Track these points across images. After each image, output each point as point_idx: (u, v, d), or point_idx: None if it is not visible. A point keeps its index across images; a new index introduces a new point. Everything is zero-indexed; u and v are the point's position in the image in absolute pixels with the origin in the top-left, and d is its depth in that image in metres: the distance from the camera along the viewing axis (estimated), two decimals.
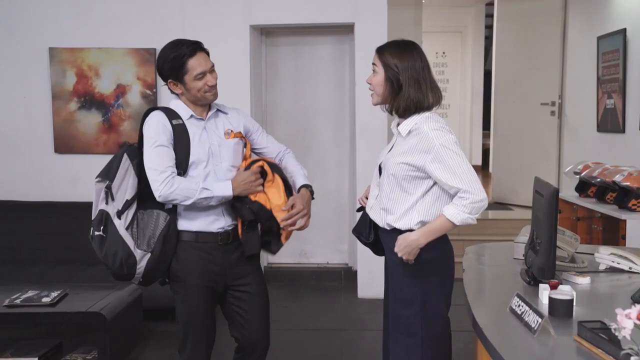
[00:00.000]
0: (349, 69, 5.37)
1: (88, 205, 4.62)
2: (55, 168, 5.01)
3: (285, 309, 4.72)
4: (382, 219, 2.33)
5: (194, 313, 2.48)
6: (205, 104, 2.48)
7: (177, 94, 2.49)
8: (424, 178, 2.21)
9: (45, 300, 3.36)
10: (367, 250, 5.17)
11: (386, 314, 2.48)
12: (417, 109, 2.23)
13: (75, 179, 4.98)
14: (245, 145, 2.58)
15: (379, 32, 4.90)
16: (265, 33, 5.44)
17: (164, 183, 2.31)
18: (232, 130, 2.50)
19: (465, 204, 2.12)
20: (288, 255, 5.65)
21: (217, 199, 2.37)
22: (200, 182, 2.36)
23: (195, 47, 2.40)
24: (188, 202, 2.34)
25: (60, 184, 4.98)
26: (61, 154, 5.00)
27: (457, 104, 10.07)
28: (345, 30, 5.32)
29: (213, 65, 2.46)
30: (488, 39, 10.22)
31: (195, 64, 2.38)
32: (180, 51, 2.37)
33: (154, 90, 4.94)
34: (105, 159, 4.87)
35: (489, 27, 10.01)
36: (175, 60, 2.37)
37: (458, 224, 2.13)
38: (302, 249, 5.66)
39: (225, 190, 2.37)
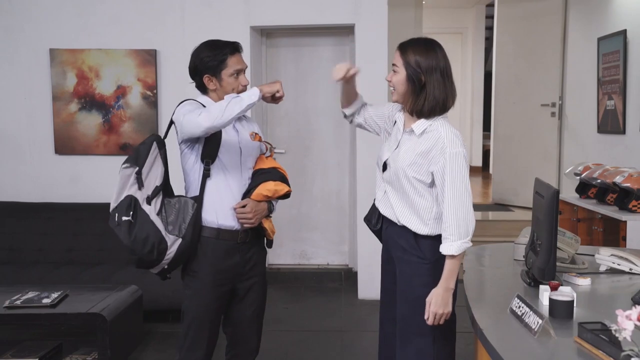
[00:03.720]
0: None
1: (89, 206, 4.74)
2: (55, 169, 5.01)
3: (285, 310, 4.72)
4: (394, 215, 2.30)
5: (201, 309, 2.50)
6: None
7: (205, 93, 2.53)
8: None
9: (46, 301, 3.36)
10: (368, 251, 5.16)
11: (386, 316, 2.45)
12: (442, 110, 2.22)
13: (75, 180, 4.99)
14: (262, 148, 2.65)
15: (380, 33, 4.91)
16: (266, 34, 5.44)
17: (201, 114, 2.30)
18: (256, 133, 2.57)
19: (450, 238, 2.13)
20: (288, 256, 5.66)
21: (247, 96, 2.31)
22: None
23: (237, 47, 2.51)
24: (222, 112, 2.27)
25: (61, 185, 4.99)
26: (62, 155, 5.01)
27: (457, 105, 9.66)
28: (346, 31, 5.33)
29: (246, 68, 2.54)
30: (488, 40, 10.23)
31: (234, 61, 2.48)
32: (224, 48, 2.47)
33: (155, 91, 4.94)
34: (106, 160, 4.87)
35: (489, 29, 10.02)
36: (217, 56, 2.45)
37: (456, 253, 2.12)
38: (303, 250, 5.66)
39: (252, 93, 2.33)
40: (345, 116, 2.56)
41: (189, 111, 2.37)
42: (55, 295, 3.43)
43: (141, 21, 4.95)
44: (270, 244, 2.67)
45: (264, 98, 2.36)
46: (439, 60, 2.20)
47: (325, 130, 5.57)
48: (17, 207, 4.80)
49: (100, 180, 4.85)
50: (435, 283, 2.17)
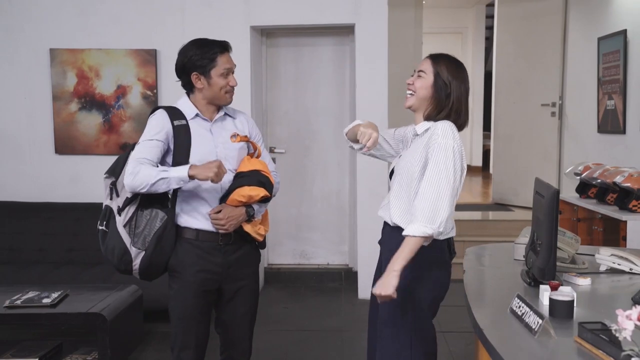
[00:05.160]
0: (350, 70, 5.37)
1: (89, 206, 4.74)
2: (55, 169, 5.01)
3: (285, 309, 4.72)
4: (389, 215, 2.32)
5: (186, 309, 2.48)
6: (220, 104, 2.51)
7: (187, 93, 2.53)
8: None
9: (46, 301, 3.36)
10: (368, 251, 5.17)
11: (372, 318, 2.52)
12: (456, 125, 2.23)
13: (75, 180, 4.98)
14: (249, 148, 2.59)
15: (380, 33, 4.91)
16: (266, 34, 5.44)
17: (131, 174, 2.31)
18: (238, 134, 2.51)
19: (414, 220, 2.09)
20: (288, 256, 5.66)
21: (175, 180, 2.31)
22: (160, 168, 2.34)
23: (226, 46, 2.49)
24: (147, 188, 2.29)
25: (61, 185, 4.99)
26: (62, 155, 5.00)
27: None
28: (346, 31, 5.33)
29: (234, 67, 2.52)
30: (488, 40, 10.24)
31: (224, 60, 2.46)
32: (213, 46, 2.46)
33: (155, 91, 4.94)
34: (106, 159, 4.88)
35: (489, 28, 10.03)
36: (206, 54, 2.43)
37: (410, 234, 2.06)
38: (303, 250, 5.66)
39: (180, 171, 2.31)
40: (352, 148, 2.53)
41: (135, 154, 2.35)
42: (55, 295, 3.44)
43: (141, 21, 4.95)
44: (262, 245, 2.64)
45: None
46: (465, 82, 2.28)
47: (325, 130, 5.57)
48: (17, 207, 4.80)
49: (100, 180, 4.78)
50: (409, 283, 2.17)
